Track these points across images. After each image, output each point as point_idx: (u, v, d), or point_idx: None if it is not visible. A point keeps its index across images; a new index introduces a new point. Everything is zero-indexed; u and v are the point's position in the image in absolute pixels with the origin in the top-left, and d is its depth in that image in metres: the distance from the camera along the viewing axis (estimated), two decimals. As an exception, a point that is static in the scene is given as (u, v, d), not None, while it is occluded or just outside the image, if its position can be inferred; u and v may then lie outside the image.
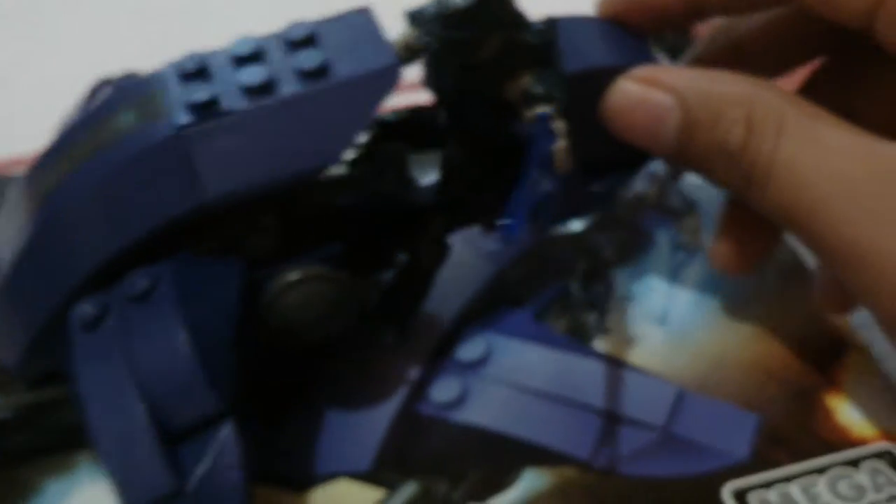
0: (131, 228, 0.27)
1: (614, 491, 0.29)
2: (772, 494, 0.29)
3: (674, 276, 0.36)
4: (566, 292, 0.35)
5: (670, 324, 0.34)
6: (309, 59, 0.28)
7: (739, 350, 0.33)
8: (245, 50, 0.28)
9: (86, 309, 0.27)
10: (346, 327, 0.30)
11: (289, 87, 0.27)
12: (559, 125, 0.28)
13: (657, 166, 0.39)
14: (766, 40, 0.31)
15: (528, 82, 0.28)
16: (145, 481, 0.25)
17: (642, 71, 0.27)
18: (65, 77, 0.35)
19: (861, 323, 0.34)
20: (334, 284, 0.29)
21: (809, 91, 0.32)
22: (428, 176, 0.32)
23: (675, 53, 0.36)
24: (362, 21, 0.29)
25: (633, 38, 0.30)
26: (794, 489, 0.29)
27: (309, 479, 0.30)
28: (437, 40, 0.28)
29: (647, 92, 0.26)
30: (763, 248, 0.31)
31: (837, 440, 0.30)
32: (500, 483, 0.30)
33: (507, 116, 0.29)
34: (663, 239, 0.37)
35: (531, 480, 0.30)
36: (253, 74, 0.27)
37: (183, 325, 0.26)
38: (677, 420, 0.31)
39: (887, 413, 0.31)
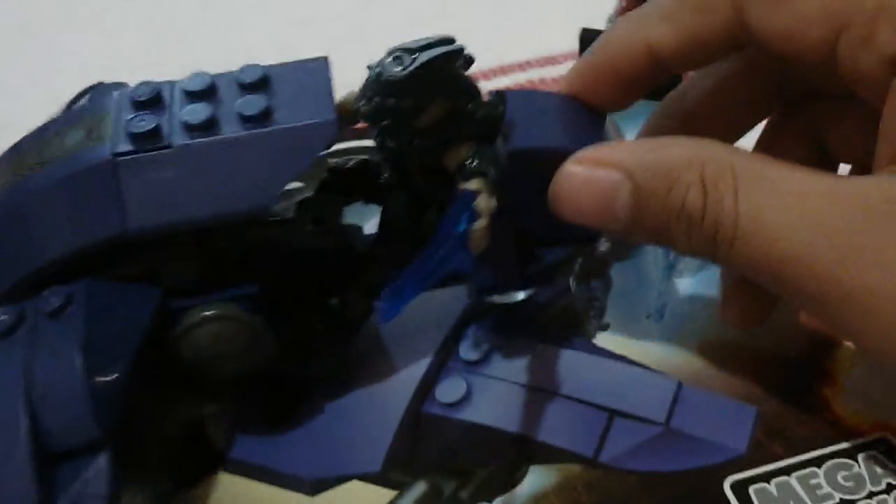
0: (52, 247, 0.28)
1: (618, 486, 0.30)
2: (772, 487, 0.29)
3: (670, 270, 0.36)
4: (565, 289, 0.36)
5: (668, 318, 0.35)
6: (254, 103, 0.28)
7: (736, 343, 0.33)
8: (197, 85, 0.29)
9: (2, 316, 0.27)
10: (256, 366, 0.30)
11: (229, 129, 0.28)
12: (485, 204, 0.27)
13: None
14: (717, 104, 0.31)
15: (465, 155, 0.28)
16: (9, 498, 0.25)
17: (586, 152, 0.26)
18: (73, 89, 0.36)
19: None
20: (244, 327, 0.29)
21: (773, 142, 0.32)
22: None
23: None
24: (316, 71, 0.29)
25: (590, 116, 0.30)
26: (793, 481, 0.29)
27: (321, 483, 0.30)
28: (373, 108, 0.28)
29: (593, 172, 0.26)
30: (771, 300, 0.30)
31: (834, 431, 0.31)
32: (507, 481, 0.30)
33: (445, 184, 0.29)
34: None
35: (537, 478, 0.30)
36: (197, 112, 0.28)
37: (81, 348, 0.26)
38: (678, 415, 0.31)
39: (883, 403, 0.32)
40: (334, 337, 0.32)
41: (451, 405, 0.32)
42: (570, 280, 0.36)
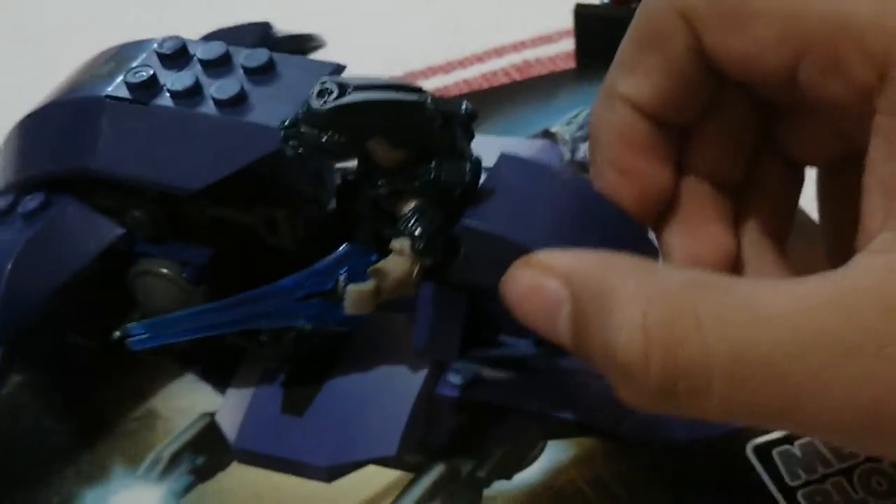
0: (40, 161, 0.31)
1: (639, 457, 0.30)
2: (795, 448, 0.29)
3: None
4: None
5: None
6: (229, 87, 0.29)
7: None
8: (212, 54, 0.30)
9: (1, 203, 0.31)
10: None
11: (204, 106, 0.29)
12: (391, 267, 0.26)
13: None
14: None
15: (405, 210, 0.27)
16: None
17: (537, 256, 0.23)
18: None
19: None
20: (180, 291, 0.31)
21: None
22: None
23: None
24: (318, 74, 0.28)
25: (606, 212, 0.27)
26: (816, 441, 0.29)
27: (337, 469, 0.30)
28: (299, 136, 0.26)
29: (540, 280, 0.23)
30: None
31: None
32: (524, 458, 0.30)
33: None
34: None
35: (555, 453, 0.30)
36: (181, 80, 0.29)
37: (18, 253, 0.30)
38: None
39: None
40: None
41: (465, 386, 0.31)
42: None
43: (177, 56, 0.30)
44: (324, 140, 0.25)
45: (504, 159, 0.28)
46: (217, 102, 0.28)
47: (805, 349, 0.19)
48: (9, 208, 0.31)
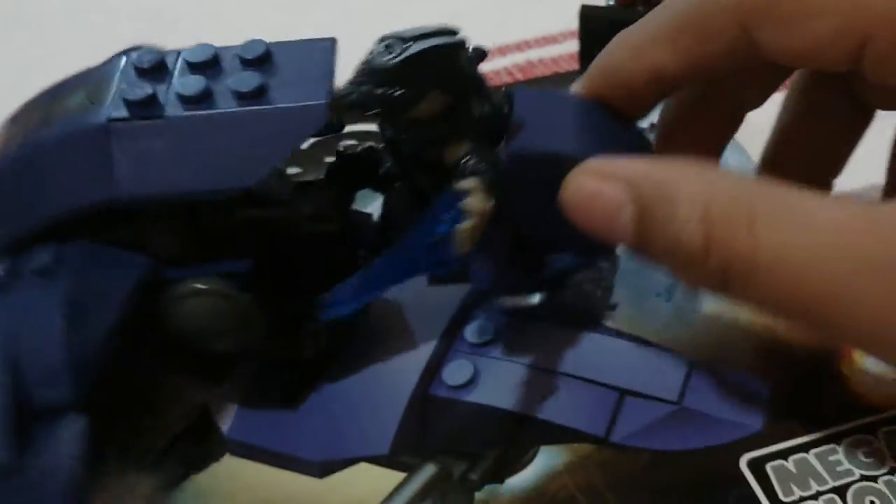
0: (45, 206, 0.28)
1: (631, 466, 0.29)
2: (789, 464, 0.29)
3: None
4: (571, 269, 0.35)
5: (677, 297, 0.34)
6: (249, 79, 0.28)
7: (748, 320, 0.33)
8: (200, 56, 0.29)
9: None
10: (245, 345, 0.30)
11: (224, 104, 0.28)
12: (477, 204, 0.27)
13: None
14: (731, 85, 0.30)
15: (462, 153, 0.28)
16: None
17: (594, 164, 0.26)
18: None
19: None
20: (232, 303, 0.29)
21: (806, 97, 0.31)
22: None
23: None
24: (321, 52, 0.29)
25: (615, 121, 0.29)
26: (811, 458, 0.29)
27: (329, 465, 0.30)
28: (361, 95, 0.27)
29: (599, 185, 0.25)
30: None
31: (853, 408, 0.30)
32: (516, 462, 0.30)
33: (444, 179, 0.28)
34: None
35: (548, 458, 0.30)
36: (192, 84, 0.28)
37: (62, 308, 0.27)
38: (691, 393, 0.31)
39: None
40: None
41: (458, 387, 0.31)
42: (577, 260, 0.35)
43: (159, 66, 0.29)
44: (394, 94, 0.26)
45: (519, 92, 0.29)
46: (240, 96, 0.28)
47: (837, 259, 0.22)
48: (11, 272, 0.28)
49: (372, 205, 0.33)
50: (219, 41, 0.29)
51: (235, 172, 0.28)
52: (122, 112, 0.27)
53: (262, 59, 0.29)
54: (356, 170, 0.32)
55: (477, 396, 0.31)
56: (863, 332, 0.23)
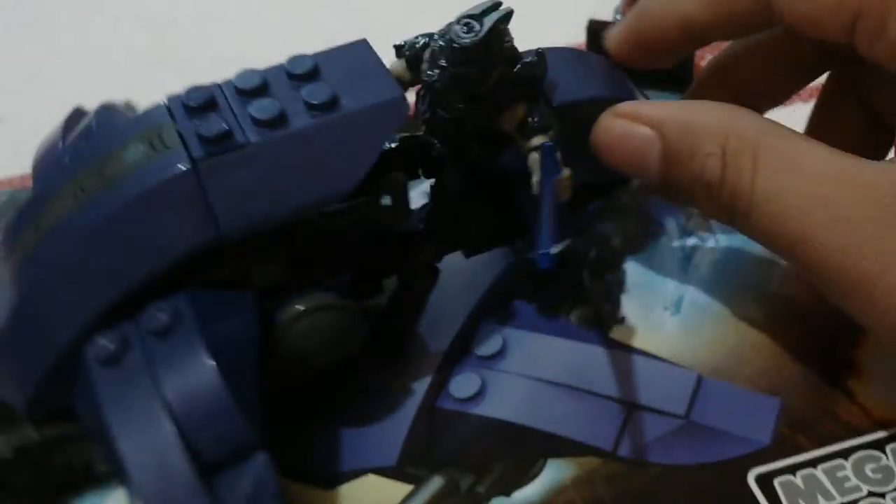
0: (145, 262, 0.27)
1: (639, 480, 0.29)
2: (797, 479, 0.29)
3: (685, 262, 0.36)
4: (579, 283, 0.35)
5: (685, 311, 0.34)
6: (317, 92, 0.28)
7: (756, 334, 0.33)
8: (250, 83, 0.28)
9: (103, 344, 0.26)
10: (351, 353, 0.30)
11: (300, 120, 0.28)
12: (559, 156, 0.28)
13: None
14: (761, 66, 0.32)
15: (522, 115, 0.29)
16: None
17: (625, 106, 0.28)
18: (80, 94, 0.35)
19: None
20: (342, 312, 0.29)
21: (828, 107, 0.33)
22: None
23: (680, 86, 0.36)
24: (362, 53, 0.30)
25: (617, 73, 0.32)
26: (819, 473, 0.29)
27: (337, 475, 0.30)
28: (444, 74, 0.28)
29: (630, 126, 0.28)
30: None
31: (861, 423, 0.30)
32: (523, 475, 0.30)
33: (500, 147, 0.30)
34: (672, 225, 0.37)
35: (555, 471, 0.30)
36: (264, 107, 0.28)
37: (210, 360, 0.26)
38: (698, 407, 0.31)
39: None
40: (405, 313, 0.34)
41: (466, 400, 0.31)
42: (584, 274, 0.35)
43: (210, 100, 0.28)
44: (472, 72, 0.28)
45: (550, 51, 0.30)
46: (315, 108, 0.28)
47: (815, 207, 0.24)
48: (123, 342, 0.26)
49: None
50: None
51: (335, 178, 0.28)
52: (202, 150, 0.27)
53: (313, 71, 0.29)
54: (409, 159, 0.32)
55: (484, 409, 0.31)
56: (828, 278, 0.25)
